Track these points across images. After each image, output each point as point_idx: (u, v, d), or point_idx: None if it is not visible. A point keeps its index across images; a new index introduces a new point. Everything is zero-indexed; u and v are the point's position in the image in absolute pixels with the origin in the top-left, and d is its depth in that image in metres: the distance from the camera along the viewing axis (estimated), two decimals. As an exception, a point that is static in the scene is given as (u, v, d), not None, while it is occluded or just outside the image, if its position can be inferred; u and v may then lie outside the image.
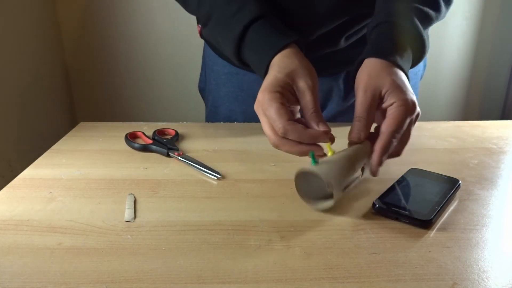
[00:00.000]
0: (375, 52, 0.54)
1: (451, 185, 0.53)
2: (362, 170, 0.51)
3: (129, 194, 0.52)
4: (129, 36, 1.55)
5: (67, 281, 0.37)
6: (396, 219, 0.46)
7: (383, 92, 0.51)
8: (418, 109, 0.51)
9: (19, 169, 0.58)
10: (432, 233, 0.45)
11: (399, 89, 0.50)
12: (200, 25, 0.68)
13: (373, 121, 0.51)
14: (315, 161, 0.48)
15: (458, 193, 0.53)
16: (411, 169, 0.57)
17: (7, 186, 0.54)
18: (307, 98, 0.51)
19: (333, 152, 0.50)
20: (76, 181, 0.55)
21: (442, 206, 0.48)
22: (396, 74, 0.52)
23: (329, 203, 0.48)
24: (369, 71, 0.52)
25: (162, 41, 1.56)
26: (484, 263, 0.40)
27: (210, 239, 0.43)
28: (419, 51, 0.57)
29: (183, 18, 1.51)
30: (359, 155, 0.50)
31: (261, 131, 0.74)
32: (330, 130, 0.50)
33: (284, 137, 0.49)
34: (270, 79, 0.51)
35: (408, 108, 0.49)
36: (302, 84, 0.51)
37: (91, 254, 0.40)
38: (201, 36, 0.81)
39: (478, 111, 1.77)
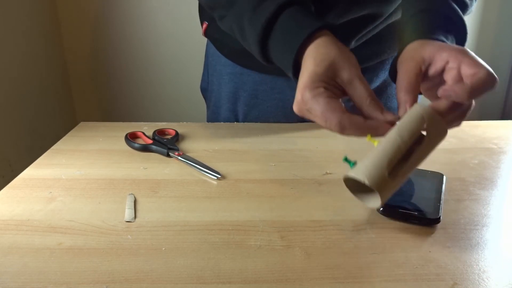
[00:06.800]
0: (415, 37, 0.49)
1: (439, 179, 0.54)
2: (422, 138, 0.43)
3: (129, 194, 0.52)
4: (130, 35, 1.55)
5: (67, 281, 0.37)
6: (405, 220, 0.46)
7: (426, 57, 0.45)
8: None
9: (19, 169, 0.58)
10: (432, 233, 0.45)
11: (445, 45, 0.45)
12: (216, 17, 0.64)
13: (418, 91, 0.46)
14: (352, 163, 0.44)
15: (458, 193, 0.53)
16: None
17: (7, 186, 0.54)
18: (359, 88, 0.45)
19: (378, 142, 0.44)
20: (76, 181, 0.55)
21: (441, 202, 0.48)
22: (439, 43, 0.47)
23: (376, 202, 0.43)
24: (408, 48, 0.48)
25: (162, 41, 1.55)
26: (484, 263, 0.40)
27: (210, 239, 0.43)
28: (461, 38, 0.52)
29: (184, 18, 1.51)
30: (407, 129, 0.42)
31: (261, 131, 0.74)
32: (397, 118, 0.44)
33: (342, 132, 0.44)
34: (309, 74, 0.46)
35: (466, 52, 0.44)
36: (347, 75, 0.45)
37: (91, 254, 0.40)
38: (205, 34, 0.81)
39: (478, 111, 1.77)
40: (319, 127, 0.78)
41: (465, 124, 0.78)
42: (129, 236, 0.43)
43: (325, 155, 0.64)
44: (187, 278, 0.38)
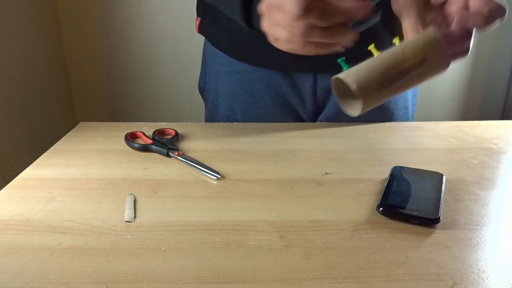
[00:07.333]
0: None
1: (439, 179, 0.54)
2: (424, 61, 0.41)
3: (129, 194, 0.52)
4: (129, 35, 1.55)
5: (67, 281, 0.37)
6: (405, 220, 0.46)
7: None
8: None
9: (19, 169, 0.58)
10: (432, 233, 0.45)
11: None
12: None
13: (424, 13, 0.45)
14: (346, 67, 0.41)
15: (458, 193, 0.53)
16: (394, 167, 0.57)
17: (7, 186, 0.54)
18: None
19: (379, 53, 0.41)
20: (76, 181, 0.55)
21: (441, 202, 0.48)
22: None
23: (356, 110, 0.40)
24: None
25: (162, 41, 1.56)
26: (484, 263, 0.40)
27: (210, 239, 0.43)
28: None
29: (184, 18, 1.51)
30: (412, 46, 0.41)
31: (260, 131, 0.74)
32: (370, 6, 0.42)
33: (306, 22, 0.41)
34: None
35: None
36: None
37: (91, 254, 0.41)
38: (199, 31, 0.81)
39: (478, 111, 1.77)
40: (319, 127, 0.78)
41: (465, 124, 0.79)
42: (128, 236, 0.44)
43: (325, 155, 0.64)
44: (187, 278, 0.38)
